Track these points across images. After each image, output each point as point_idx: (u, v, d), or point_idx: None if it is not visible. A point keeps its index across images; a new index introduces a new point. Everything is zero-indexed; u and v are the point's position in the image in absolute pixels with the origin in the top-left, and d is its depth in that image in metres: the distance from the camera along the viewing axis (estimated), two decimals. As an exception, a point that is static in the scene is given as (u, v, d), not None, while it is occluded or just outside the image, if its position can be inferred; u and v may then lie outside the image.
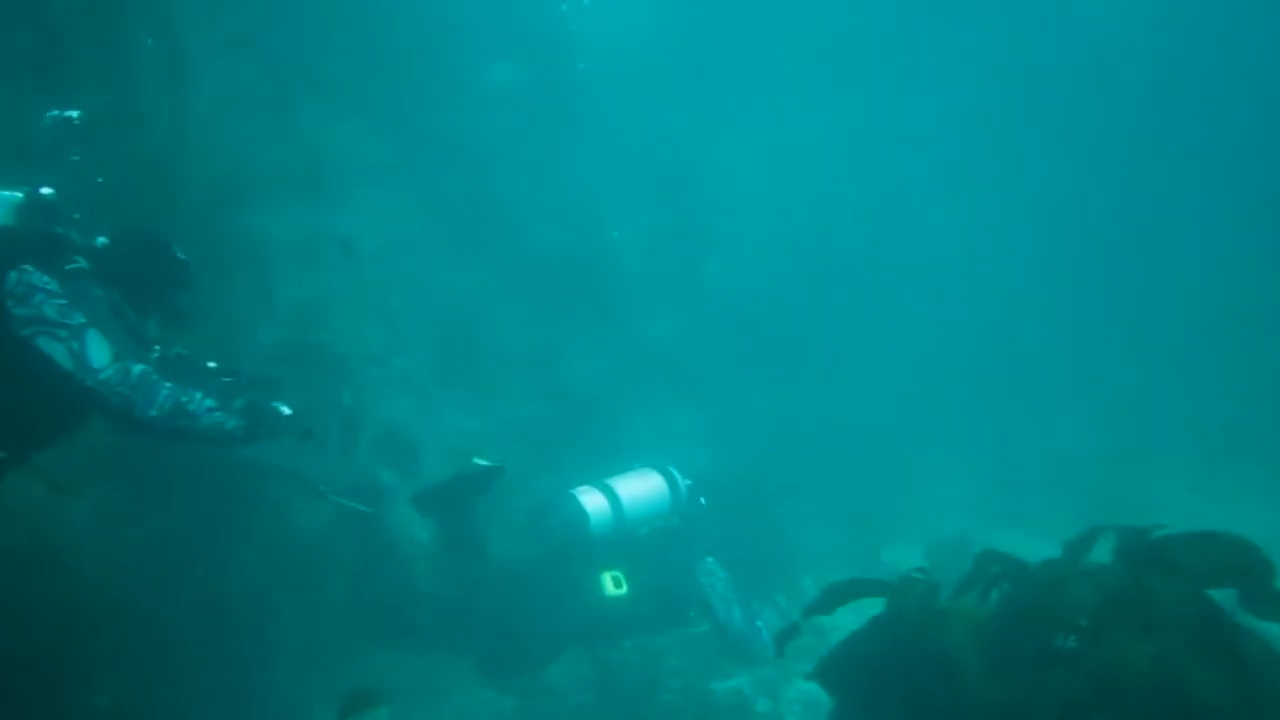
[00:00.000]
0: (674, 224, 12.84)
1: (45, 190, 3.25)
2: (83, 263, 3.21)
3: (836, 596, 2.86)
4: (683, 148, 14.14)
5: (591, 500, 5.24)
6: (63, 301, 3.02)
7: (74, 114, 4.85)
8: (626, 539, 5.33)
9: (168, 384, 3.12)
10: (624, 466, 5.63)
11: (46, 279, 3.04)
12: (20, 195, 3.21)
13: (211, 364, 3.37)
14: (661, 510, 5.45)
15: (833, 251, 14.24)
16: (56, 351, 2.96)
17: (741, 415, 10.53)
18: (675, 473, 5.56)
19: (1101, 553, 2.84)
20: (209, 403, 3.21)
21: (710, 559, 5.54)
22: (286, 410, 3.51)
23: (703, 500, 5.64)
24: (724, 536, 5.77)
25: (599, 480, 5.41)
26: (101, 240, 3.40)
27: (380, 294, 8.55)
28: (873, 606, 3.10)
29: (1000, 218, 16.19)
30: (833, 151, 15.68)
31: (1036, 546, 3.30)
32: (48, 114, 4.94)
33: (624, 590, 5.18)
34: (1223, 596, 2.56)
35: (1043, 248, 15.99)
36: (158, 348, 3.44)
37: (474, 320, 9.36)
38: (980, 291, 15.35)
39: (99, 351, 3.01)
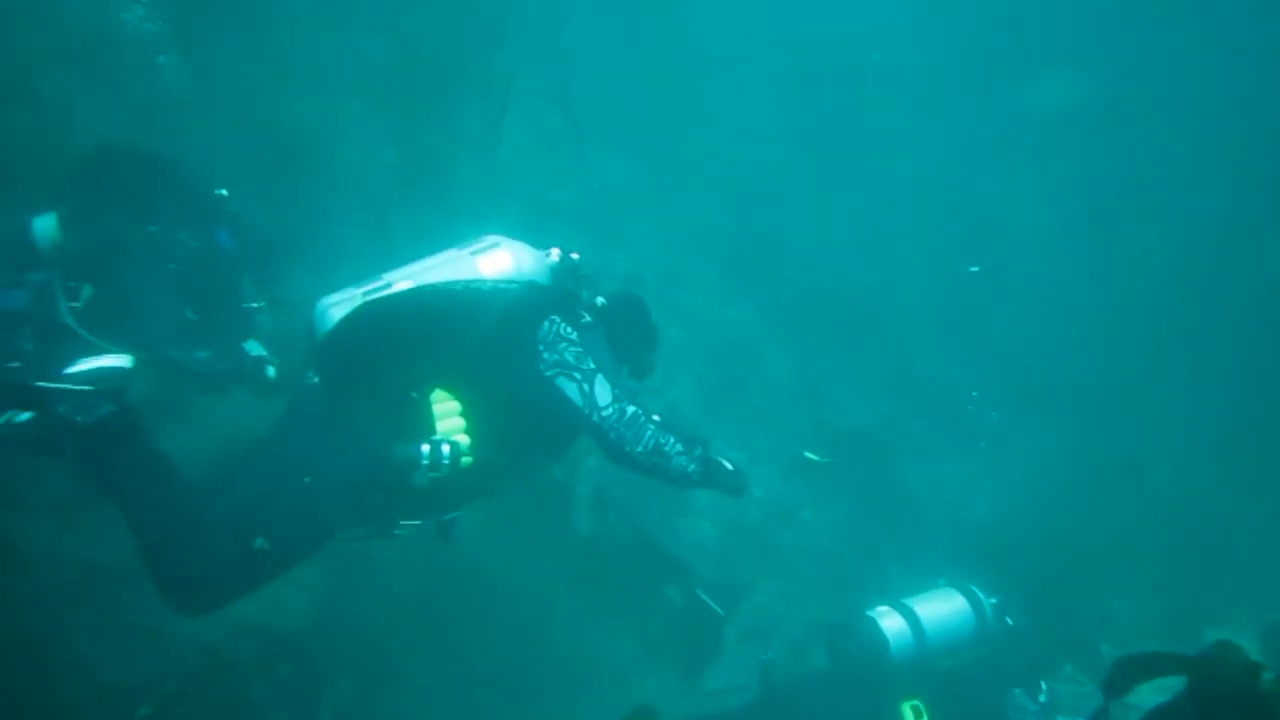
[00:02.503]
0: (959, 262, 12.19)
1: (574, 255, 3.89)
2: (588, 318, 3.83)
3: (1130, 671, 2.43)
4: (972, 186, 13.46)
5: (891, 624, 4.96)
6: (580, 349, 3.60)
7: None
8: (928, 667, 4.99)
9: (650, 426, 3.64)
10: (925, 585, 5.30)
11: (569, 329, 3.64)
12: (555, 259, 3.84)
13: (656, 416, 3.74)
14: (966, 637, 5.05)
15: (1130, 291, 12.81)
16: (571, 390, 3.54)
17: (1027, 465, 9.68)
18: (979, 592, 5.15)
19: None
20: (679, 446, 3.69)
21: (1018, 690, 5.07)
22: (729, 466, 3.87)
23: (1009, 620, 5.18)
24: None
25: (898, 601, 5.12)
26: (601, 300, 4.02)
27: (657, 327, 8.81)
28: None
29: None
30: (1123, 190, 14.21)
31: None
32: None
33: None
34: None
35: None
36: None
37: (743, 354, 9.40)
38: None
39: (603, 393, 3.55)
